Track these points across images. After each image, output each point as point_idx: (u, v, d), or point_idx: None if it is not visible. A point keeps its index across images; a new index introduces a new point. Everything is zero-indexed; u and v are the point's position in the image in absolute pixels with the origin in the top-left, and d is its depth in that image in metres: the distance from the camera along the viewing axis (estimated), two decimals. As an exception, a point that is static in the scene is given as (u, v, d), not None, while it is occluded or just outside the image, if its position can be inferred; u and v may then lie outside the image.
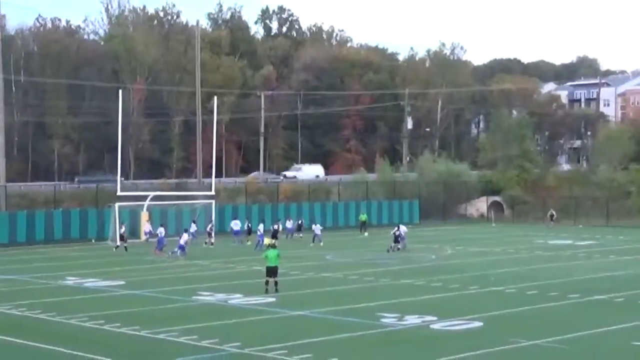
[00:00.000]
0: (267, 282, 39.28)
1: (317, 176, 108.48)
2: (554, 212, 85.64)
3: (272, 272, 39.38)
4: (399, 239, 59.71)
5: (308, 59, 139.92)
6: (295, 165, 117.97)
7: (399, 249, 58.89)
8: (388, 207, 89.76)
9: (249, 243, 66.07)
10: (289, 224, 72.63)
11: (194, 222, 67.44)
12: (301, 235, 71.58)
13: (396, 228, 60.98)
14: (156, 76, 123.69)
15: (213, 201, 72.58)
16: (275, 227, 66.81)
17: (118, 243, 61.84)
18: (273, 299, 37.55)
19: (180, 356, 26.06)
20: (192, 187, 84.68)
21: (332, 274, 47.48)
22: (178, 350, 27.04)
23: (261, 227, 65.34)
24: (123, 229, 62.28)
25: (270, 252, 39.93)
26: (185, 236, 57.46)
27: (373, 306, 35.54)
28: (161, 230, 60.02)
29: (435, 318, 32.45)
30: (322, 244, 64.88)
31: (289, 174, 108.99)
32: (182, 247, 56.16)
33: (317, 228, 67.83)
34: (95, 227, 71.06)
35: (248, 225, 69.76)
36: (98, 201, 75.08)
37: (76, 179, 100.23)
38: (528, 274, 46.68)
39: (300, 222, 74.25)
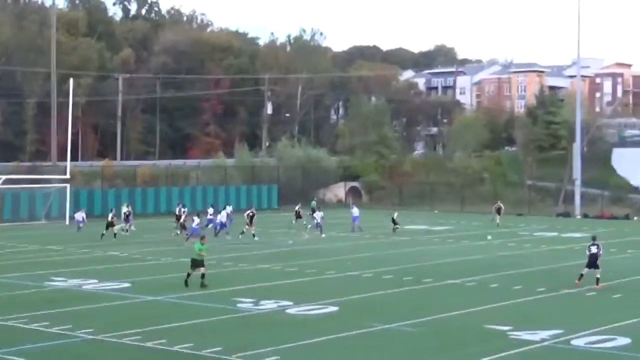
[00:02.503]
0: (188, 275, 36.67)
1: None
2: (501, 205, 73.75)
3: (193, 263, 36.61)
4: (318, 223, 61.94)
5: (168, 42, 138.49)
6: None
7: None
8: (246, 192, 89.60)
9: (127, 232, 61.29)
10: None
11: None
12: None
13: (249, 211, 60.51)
14: (9, 56, 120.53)
15: (68, 185, 71.25)
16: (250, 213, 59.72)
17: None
18: (128, 285, 37.05)
19: (30, 343, 25.45)
20: (46, 171, 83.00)
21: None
22: (28, 337, 26.40)
23: (211, 210, 63.45)
24: None
25: (195, 245, 37.26)
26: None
27: (229, 291, 35.40)
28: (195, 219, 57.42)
29: (291, 303, 32.50)
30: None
31: None
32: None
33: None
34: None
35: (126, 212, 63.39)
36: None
37: None
38: (384, 259, 47.18)
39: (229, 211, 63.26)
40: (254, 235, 57.11)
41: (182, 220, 60.37)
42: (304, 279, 39.72)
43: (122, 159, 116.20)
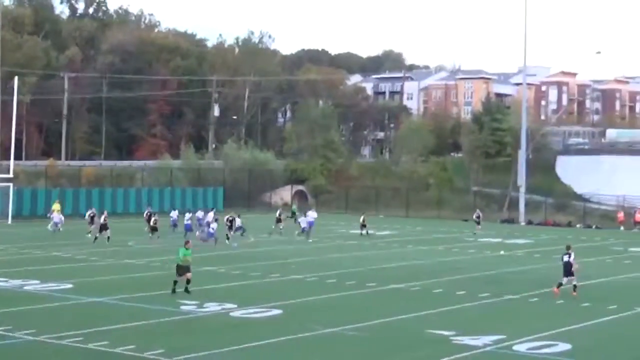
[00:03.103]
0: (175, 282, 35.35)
1: None
2: (480, 213, 73.95)
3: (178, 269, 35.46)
4: (304, 228, 61.63)
5: (115, 42, 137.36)
6: None
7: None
8: (192, 194, 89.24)
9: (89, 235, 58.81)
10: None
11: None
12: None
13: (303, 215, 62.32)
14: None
15: (11, 184, 70.52)
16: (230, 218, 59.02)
17: None
18: (70, 286, 36.73)
19: (-30, 344, 25.19)
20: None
21: (135, 261, 46.83)
22: (-32, 337, 26.10)
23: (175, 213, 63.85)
24: None
25: (181, 250, 35.70)
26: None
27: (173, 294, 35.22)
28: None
29: (235, 305, 32.44)
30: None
31: None
32: None
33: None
34: None
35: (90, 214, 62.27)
36: None
37: None
38: (329, 263, 47.25)
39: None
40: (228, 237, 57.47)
41: (152, 223, 59.16)
42: (248, 282, 39.65)
43: (67, 158, 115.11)
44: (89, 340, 25.75)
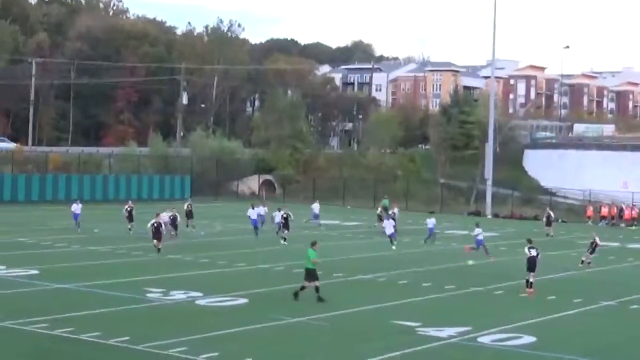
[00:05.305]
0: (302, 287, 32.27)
1: None
2: (551, 213, 66.98)
3: (306, 274, 32.41)
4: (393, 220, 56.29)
5: (83, 28, 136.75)
6: None
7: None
8: (159, 182, 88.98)
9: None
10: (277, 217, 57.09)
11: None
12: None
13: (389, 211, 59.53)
14: None
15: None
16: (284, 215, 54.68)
17: None
18: (36, 272, 36.58)
19: None
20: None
21: (100, 248, 46.66)
22: None
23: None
24: None
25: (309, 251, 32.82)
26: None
27: (139, 280, 35.18)
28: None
29: (201, 294, 32.43)
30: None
31: None
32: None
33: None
34: None
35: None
36: None
37: None
38: (295, 252, 47.12)
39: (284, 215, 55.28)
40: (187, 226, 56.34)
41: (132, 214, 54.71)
42: (214, 271, 39.62)
43: (33, 144, 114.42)
44: (54, 327, 25.68)
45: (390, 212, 60.94)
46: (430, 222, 56.27)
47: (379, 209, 64.38)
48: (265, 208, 60.64)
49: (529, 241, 37.15)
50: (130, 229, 54.04)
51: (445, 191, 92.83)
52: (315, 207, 66.78)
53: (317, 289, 31.77)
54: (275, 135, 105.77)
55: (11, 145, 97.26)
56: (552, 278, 40.37)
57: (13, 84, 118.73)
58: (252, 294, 33.12)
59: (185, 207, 57.86)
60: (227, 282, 36.25)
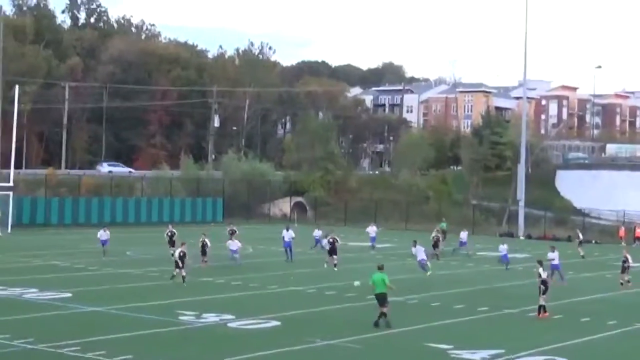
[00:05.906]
0: (380, 314, 31.59)
1: None
2: (580, 234, 68.56)
3: (379, 299, 31.79)
4: (460, 244, 61.57)
5: (115, 52, 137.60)
6: None
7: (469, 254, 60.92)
8: (191, 205, 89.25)
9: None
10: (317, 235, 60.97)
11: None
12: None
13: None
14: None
15: (10, 193, 70.51)
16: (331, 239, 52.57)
17: None
18: (69, 295, 36.70)
19: (-33, 352, 25.14)
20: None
21: (132, 270, 46.81)
22: (-34, 345, 26.05)
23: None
24: None
25: (375, 276, 32.03)
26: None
27: (172, 303, 35.19)
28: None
29: (233, 316, 32.41)
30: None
31: None
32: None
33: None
34: None
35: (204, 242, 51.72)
36: None
37: None
38: (327, 275, 47.18)
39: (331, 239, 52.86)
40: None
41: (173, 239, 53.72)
42: (246, 293, 39.60)
43: (66, 167, 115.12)
44: (86, 350, 25.72)
45: (433, 235, 59.57)
46: (503, 248, 55.20)
47: (434, 233, 62.03)
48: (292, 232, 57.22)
49: (540, 263, 35.71)
50: (172, 254, 53.04)
51: (477, 212, 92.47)
52: (371, 230, 65.96)
53: (385, 314, 31.25)
54: (307, 157, 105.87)
55: (125, 169, 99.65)
56: (585, 300, 40.06)
57: (46, 108, 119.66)
58: (284, 316, 33.09)
59: (201, 239, 51.89)
60: (260, 304, 36.22)
